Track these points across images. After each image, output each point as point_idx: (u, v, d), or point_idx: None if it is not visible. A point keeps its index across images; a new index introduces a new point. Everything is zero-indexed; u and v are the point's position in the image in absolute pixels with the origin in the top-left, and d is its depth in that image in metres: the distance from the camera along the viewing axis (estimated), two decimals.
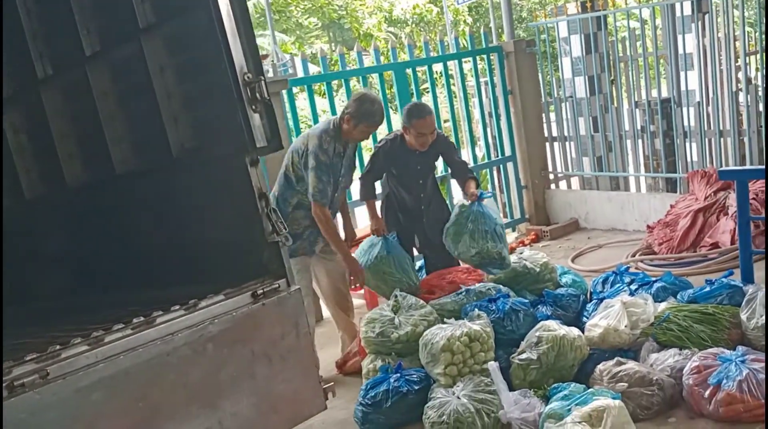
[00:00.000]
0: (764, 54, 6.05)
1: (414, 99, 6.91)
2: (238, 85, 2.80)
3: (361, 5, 22.72)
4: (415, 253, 5.43)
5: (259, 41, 14.44)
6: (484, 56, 7.39)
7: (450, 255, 4.94)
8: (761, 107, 6.06)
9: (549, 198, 7.55)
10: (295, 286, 2.87)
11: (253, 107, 2.84)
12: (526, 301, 4.28)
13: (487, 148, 7.38)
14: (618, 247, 6.41)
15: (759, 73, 6.37)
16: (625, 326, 3.78)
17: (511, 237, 7.46)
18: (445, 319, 4.10)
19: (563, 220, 7.36)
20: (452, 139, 5.97)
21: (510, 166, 7.47)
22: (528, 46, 7.41)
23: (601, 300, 4.34)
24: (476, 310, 4.08)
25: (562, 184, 7.74)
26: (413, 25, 22.45)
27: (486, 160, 7.37)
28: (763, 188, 5.40)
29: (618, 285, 4.54)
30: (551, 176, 7.62)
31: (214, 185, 2.97)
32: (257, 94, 2.83)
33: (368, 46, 19.95)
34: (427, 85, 7.78)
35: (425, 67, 6.93)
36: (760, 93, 6.10)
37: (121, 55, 3.18)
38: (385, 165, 5.03)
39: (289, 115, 6.13)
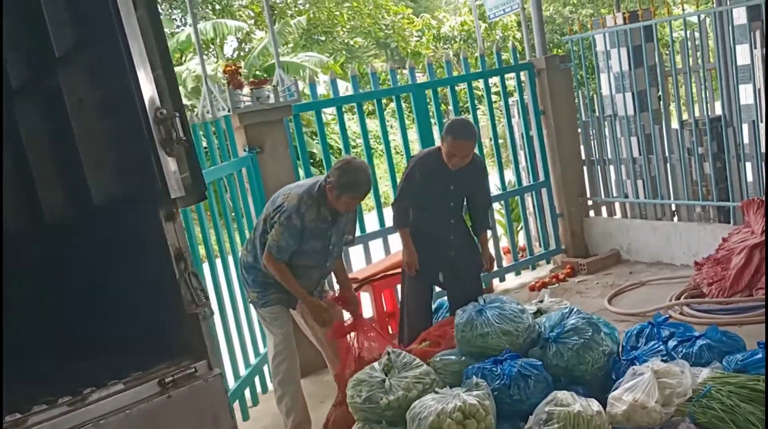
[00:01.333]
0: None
1: (436, 121, 6.35)
2: (148, 123, 2.28)
3: (408, 24, 22.28)
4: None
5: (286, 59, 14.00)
6: (513, 74, 6.79)
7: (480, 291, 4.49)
8: None
9: (587, 227, 6.83)
10: (217, 370, 2.31)
11: (167, 150, 2.31)
12: (539, 363, 3.62)
13: (518, 173, 6.72)
14: (662, 285, 5.66)
15: None
16: (656, 402, 3.10)
17: (545, 270, 6.77)
18: (437, 390, 3.50)
19: (603, 252, 6.64)
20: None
21: (544, 192, 6.80)
22: (562, 62, 6.76)
23: (632, 361, 3.66)
24: (474, 377, 3.45)
25: (604, 212, 7.01)
26: (461, 42, 21.83)
27: (516, 187, 6.72)
28: None
29: (653, 342, 3.84)
30: (590, 203, 6.91)
31: (121, 244, 2.44)
32: (172, 134, 2.30)
33: (418, 64, 19.51)
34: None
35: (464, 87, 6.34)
36: None
37: (27, 91, 2.70)
38: (422, 181, 4.51)
39: (298, 144, 5.62)
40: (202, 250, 5.40)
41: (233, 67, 5.38)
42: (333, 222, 4.08)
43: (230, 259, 4.97)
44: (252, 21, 20.29)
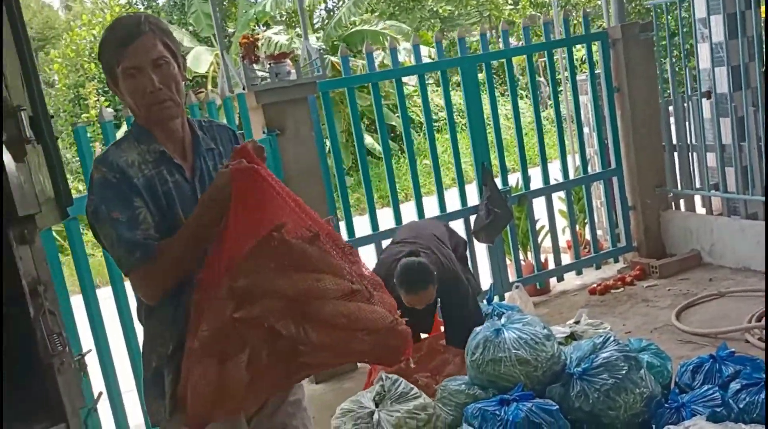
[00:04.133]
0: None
1: (487, 99, 5.65)
2: None
3: None
4: None
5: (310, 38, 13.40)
6: (583, 45, 5.97)
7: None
8: None
9: (664, 223, 5.95)
10: None
11: (12, 153, 1.80)
12: (554, 408, 2.94)
13: (584, 159, 5.92)
14: (746, 298, 4.77)
15: None
16: None
17: (611, 270, 5.96)
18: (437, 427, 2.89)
19: (681, 253, 5.76)
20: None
21: (614, 181, 5.97)
22: (642, 31, 5.85)
23: (677, 410, 2.94)
24: (467, 425, 2.82)
25: (683, 206, 6.10)
26: (558, 8, 20.57)
27: (581, 175, 5.92)
28: None
29: (708, 386, 3.08)
30: (669, 195, 6.02)
31: None
32: (21, 133, 1.78)
33: (512, 33, 18.50)
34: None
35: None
36: None
37: None
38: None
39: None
40: None
41: (250, 39, 4.85)
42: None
43: None
44: None
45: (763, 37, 4.78)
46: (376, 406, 3.19)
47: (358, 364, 4.91)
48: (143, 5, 17.89)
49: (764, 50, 4.81)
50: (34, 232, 1.90)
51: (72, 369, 1.89)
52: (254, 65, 4.73)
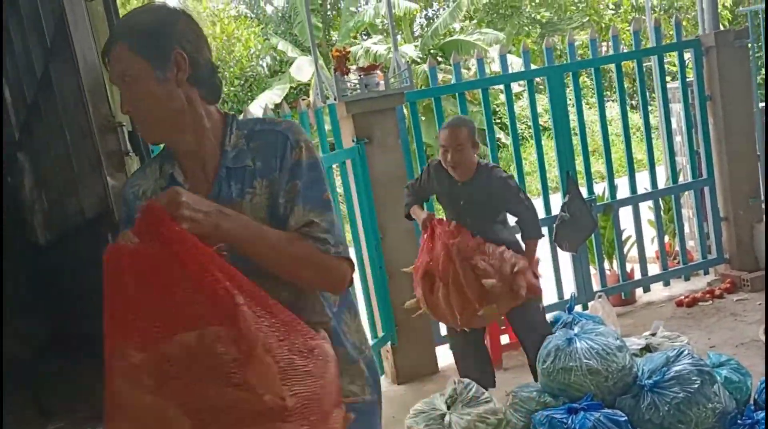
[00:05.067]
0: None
1: (574, 110, 5.66)
2: (92, 133, 2.02)
3: None
4: None
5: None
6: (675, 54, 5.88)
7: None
8: None
9: (758, 235, 5.76)
10: None
11: (113, 164, 2.04)
12: (623, 419, 2.97)
13: (674, 169, 5.82)
14: None
15: None
16: None
17: (701, 282, 5.83)
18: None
19: None
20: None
21: (706, 191, 5.84)
22: (737, 38, 5.71)
23: (752, 426, 2.92)
24: None
25: None
26: (660, 12, 19.96)
27: (671, 184, 5.82)
28: None
29: None
30: (763, 206, 5.83)
31: (83, 266, 2.22)
32: (115, 146, 2.02)
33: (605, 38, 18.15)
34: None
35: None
36: None
37: None
38: (429, 184, 3.98)
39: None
40: None
41: (342, 52, 5.06)
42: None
43: None
44: None
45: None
46: (448, 408, 3.30)
47: (439, 366, 5.05)
48: (252, 16, 18.60)
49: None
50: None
51: None
52: (345, 76, 4.94)
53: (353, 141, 4.96)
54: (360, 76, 4.98)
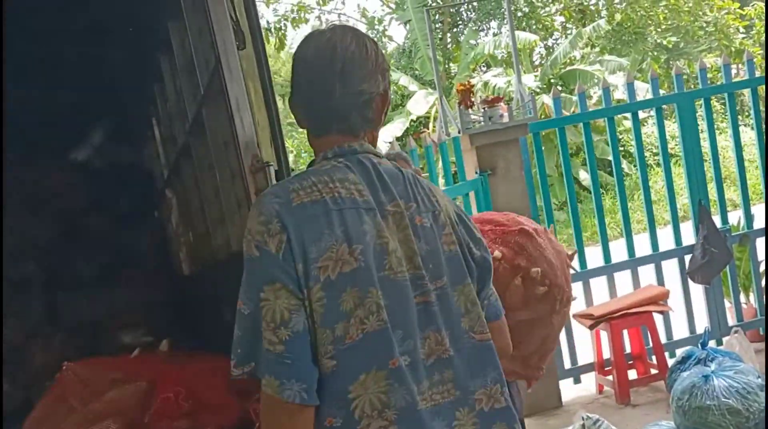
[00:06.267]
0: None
1: (706, 138, 5.47)
2: (242, 173, 2.18)
3: (733, 20, 19.82)
4: None
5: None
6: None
7: None
8: None
9: None
10: None
11: None
12: None
13: (747, 211, 5.44)
14: None
15: None
16: None
17: None
18: None
19: None
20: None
21: None
22: None
23: None
24: None
25: None
26: None
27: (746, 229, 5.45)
28: None
29: None
30: None
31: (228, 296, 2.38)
32: (263, 184, 2.17)
33: (739, 61, 17.37)
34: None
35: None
36: None
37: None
38: None
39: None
40: None
41: (466, 86, 5.16)
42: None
43: None
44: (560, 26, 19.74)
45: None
46: None
47: (563, 400, 4.97)
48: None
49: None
50: None
51: None
52: (469, 110, 5.03)
53: (476, 173, 5.02)
54: (484, 108, 5.05)
